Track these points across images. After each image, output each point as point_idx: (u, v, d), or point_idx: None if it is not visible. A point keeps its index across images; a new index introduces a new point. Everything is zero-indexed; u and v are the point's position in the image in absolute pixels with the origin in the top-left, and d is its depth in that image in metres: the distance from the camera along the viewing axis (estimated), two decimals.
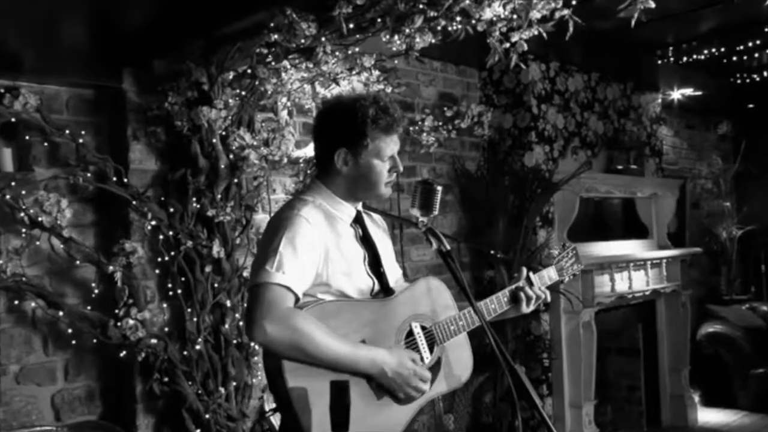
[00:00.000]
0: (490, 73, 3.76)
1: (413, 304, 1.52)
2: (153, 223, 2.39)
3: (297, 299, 1.39)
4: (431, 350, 1.52)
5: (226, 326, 2.46)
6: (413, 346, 1.50)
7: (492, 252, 3.36)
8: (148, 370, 2.37)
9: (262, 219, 2.72)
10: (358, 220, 1.56)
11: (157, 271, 2.45)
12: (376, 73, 2.51)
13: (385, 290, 1.53)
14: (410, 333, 1.51)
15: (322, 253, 1.45)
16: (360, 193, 1.55)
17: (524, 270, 1.69)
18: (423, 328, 1.52)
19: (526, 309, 1.66)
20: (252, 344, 2.49)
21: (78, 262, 2.32)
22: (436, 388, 1.50)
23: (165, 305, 2.46)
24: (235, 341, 2.47)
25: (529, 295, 1.66)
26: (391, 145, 1.51)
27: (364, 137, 1.48)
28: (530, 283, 1.68)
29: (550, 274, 1.78)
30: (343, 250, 1.49)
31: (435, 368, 1.51)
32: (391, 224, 1.77)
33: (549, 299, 1.70)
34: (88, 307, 2.34)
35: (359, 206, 1.59)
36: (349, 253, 1.50)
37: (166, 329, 2.43)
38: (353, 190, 1.54)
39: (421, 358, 1.49)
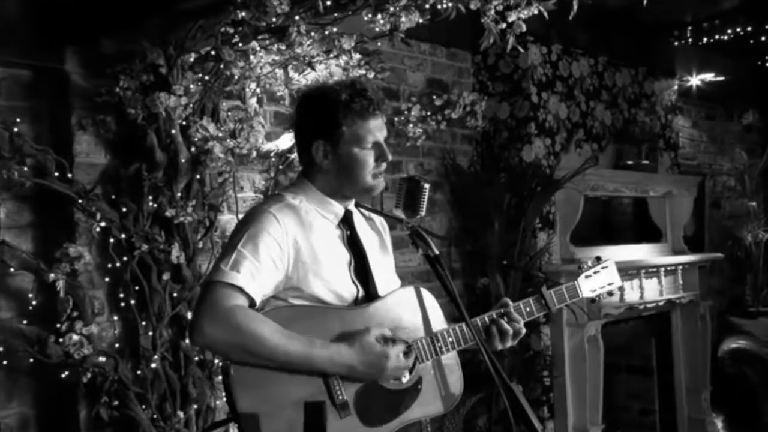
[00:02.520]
0: (484, 57, 3.87)
1: (393, 315, 1.56)
2: (102, 224, 2.43)
3: (251, 301, 1.44)
4: (411, 369, 1.55)
5: (187, 341, 2.51)
6: None
7: (505, 263, 3.42)
8: (95, 392, 2.39)
9: (227, 220, 2.78)
10: (346, 221, 1.62)
11: (106, 279, 2.49)
12: (357, 56, 2.58)
13: (371, 298, 1.58)
14: None
15: (291, 254, 1.50)
16: (345, 189, 1.59)
17: (509, 300, 1.69)
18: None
19: (499, 345, 1.64)
20: (216, 362, 2.55)
21: (12, 270, 2.33)
22: (412, 413, 1.54)
23: (116, 318, 2.50)
24: (196, 358, 2.53)
25: (505, 330, 1.63)
26: (373, 131, 1.55)
27: (338, 125, 1.53)
28: (543, 300, 1.69)
29: (572, 291, 1.76)
30: (321, 253, 1.54)
31: (413, 390, 1.55)
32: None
33: (522, 333, 1.68)
34: (24, 322, 2.35)
35: (350, 205, 1.64)
36: (329, 256, 1.56)
37: (117, 345, 2.47)
38: (338, 186, 1.59)
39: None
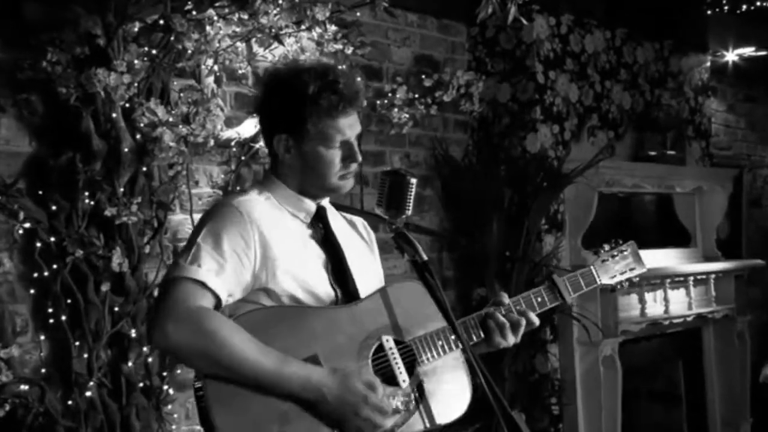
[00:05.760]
0: (482, 29, 3.96)
1: (386, 312, 1.66)
2: (26, 225, 2.47)
3: (217, 300, 1.54)
4: (411, 372, 1.64)
5: (130, 364, 2.56)
6: (384, 366, 1.63)
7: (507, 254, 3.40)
8: (15, 428, 2.42)
9: (179, 220, 2.85)
10: (320, 218, 1.73)
11: (31, 291, 2.53)
12: (332, 28, 2.65)
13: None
14: (380, 349, 1.64)
15: (257, 250, 1.60)
16: (310, 187, 1.71)
17: (504, 294, 1.79)
18: (398, 342, 1.66)
19: (502, 341, 1.73)
20: (165, 388, 2.61)
21: None
22: (415, 425, 1.62)
23: (42, 338, 2.54)
24: (141, 384, 2.58)
25: (501, 322, 1.72)
26: (342, 130, 1.65)
27: (302, 121, 1.64)
28: (555, 289, 1.79)
29: (589, 277, 1.86)
30: (293, 250, 1.65)
31: (416, 394, 1.63)
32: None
33: (536, 323, 1.76)
34: None
35: (323, 202, 1.76)
36: (302, 255, 1.66)
37: (44, 371, 2.51)
38: (303, 183, 1.70)
39: (394, 381, 1.61)
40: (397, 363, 1.64)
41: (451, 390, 1.70)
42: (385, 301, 1.68)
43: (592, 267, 1.90)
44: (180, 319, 1.48)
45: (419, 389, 1.66)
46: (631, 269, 1.95)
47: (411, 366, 1.66)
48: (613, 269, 1.93)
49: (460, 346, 1.68)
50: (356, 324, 1.62)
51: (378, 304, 1.67)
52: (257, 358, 1.50)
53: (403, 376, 1.63)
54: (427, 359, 1.67)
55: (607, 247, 1.95)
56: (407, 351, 1.66)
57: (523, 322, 1.76)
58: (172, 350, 1.53)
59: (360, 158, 1.69)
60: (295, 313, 1.60)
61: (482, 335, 1.75)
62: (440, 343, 1.68)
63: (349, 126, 1.67)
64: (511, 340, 1.75)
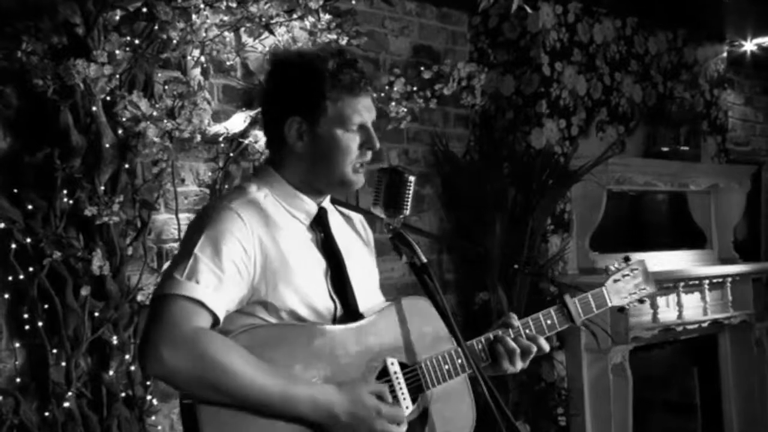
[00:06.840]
0: (484, 18, 3.99)
1: (390, 333, 1.66)
2: (0, 225, 2.48)
3: (215, 319, 1.50)
4: (415, 398, 1.64)
5: (111, 373, 2.58)
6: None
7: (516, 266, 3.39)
8: None
9: (164, 220, 2.87)
10: (320, 221, 1.70)
11: (6, 296, 2.54)
12: (326, 17, 2.66)
13: (351, 316, 1.66)
14: (384, 372, 1.63)
15: (258, 260, 1.57)
16: (319, 180, 1.67)
17: (513, 315, 1.79)
18: (403, 366, 1.65)
19: (510, 367, 1.73)
20: (149, 398, 2.61)
21: None
22: None
23: (17, 345, 2.55)
24: (123, 394, 2.60)
25: (510, 348, 1.72)
26: (361, 112, 1.63)
27: (321, 98, 1.60)
28: (566, 310, 1.80)
29: (600, 299, 1.87)
30: (293, 259, 1.61)
31: (419, 423, 1.64)
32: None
33: (546, 350, 1.77)
34: None
35: (324, 202, 1.72)
36: (301, 263, 1.63)
37: (18, 380, 2.53)
38: (310, 176, 1.66)
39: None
40: (401, 388, 1.63)
41: (456, 415, 1.71)
42: (393, 319, 1.68)
43: (603, 288, 1.90)
44: (177, 344, 1.44)
45: (423, 416, 1.66)
46: (642, 290, 1.95)
47: (416, 389, 1.66)
48: (624, 290, 1.93)
49: (467, 370, 1.68)
50: (361, 344, 1.62)
51: (384, 323, 1.67)
52: (262, 383, 1.47)
53: (406, 402, 1.63)
54: (433, 384, 1.67)
55: (616, 264, 1.95)
56: (413, 375, 1.67)
57: (534, 348, 1.75)
58: (168, 377, 1.48)
59: (378, 145, 1.66)
60: (297, 331, 1.58)
61: (489, 359, 1.74)
62: (446, 367, 1.67)
63: (367, 108, 1.65)
64: (519, 366, 1.75)
